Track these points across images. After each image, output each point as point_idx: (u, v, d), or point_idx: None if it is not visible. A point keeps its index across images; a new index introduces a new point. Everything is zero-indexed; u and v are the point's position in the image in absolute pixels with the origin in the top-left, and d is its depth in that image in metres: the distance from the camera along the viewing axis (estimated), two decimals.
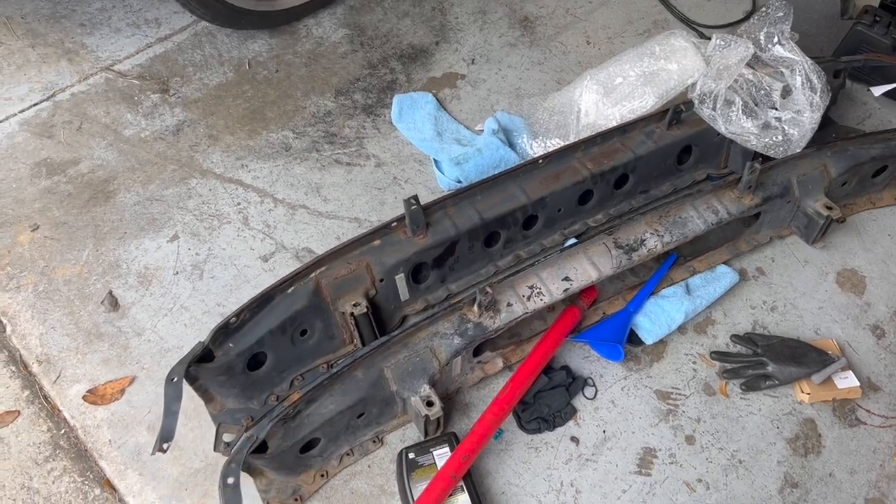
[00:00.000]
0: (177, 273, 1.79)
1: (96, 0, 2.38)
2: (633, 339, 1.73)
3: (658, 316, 1.73)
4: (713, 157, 1.98)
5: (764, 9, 1.91)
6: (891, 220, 2.03)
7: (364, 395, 1.45)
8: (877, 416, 1.69)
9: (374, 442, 1.56)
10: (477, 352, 1.61)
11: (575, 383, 1.65)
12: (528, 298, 1.57)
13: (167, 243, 1.84)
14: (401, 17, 2.43)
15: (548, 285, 1.59)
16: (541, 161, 1.75)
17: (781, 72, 1.87)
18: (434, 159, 2.02)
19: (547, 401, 1.61)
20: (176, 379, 1.34)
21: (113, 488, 1.49)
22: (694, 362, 1.73)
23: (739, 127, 1.81)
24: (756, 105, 1.84)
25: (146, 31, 2.32)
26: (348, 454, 1.54)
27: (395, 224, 1.62)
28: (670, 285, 1.80)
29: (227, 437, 1.48)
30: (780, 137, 1.81)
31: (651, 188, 1.95)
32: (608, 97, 1.93)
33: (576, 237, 1.86)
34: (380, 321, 1.62)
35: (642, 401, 1.67)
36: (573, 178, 1.77)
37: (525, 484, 1.53)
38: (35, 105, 2.10)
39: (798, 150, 1.82)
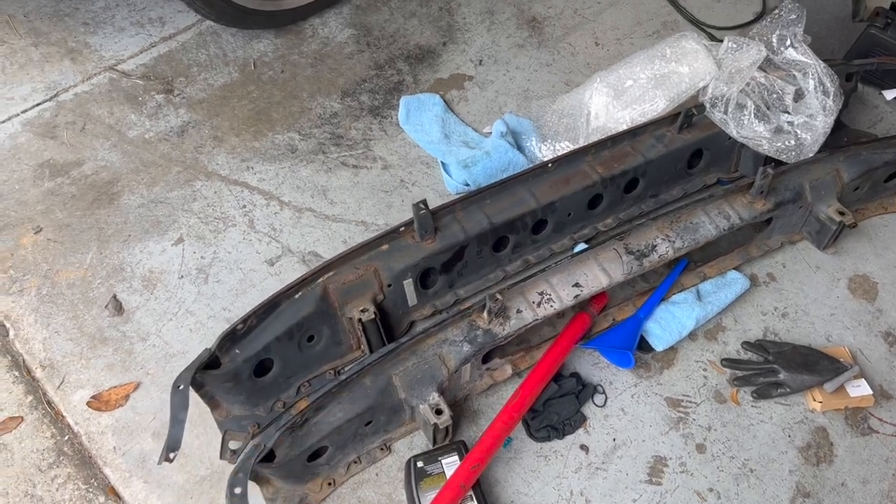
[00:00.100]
0: (182, 277, 1.77)
1: None
2: (644, 345, 1.71)
3: (669, 322, 1.71)
4: (724, 160, 1.96)
5: (777, 11, 1.88)
6: None
7: (372, 403, 1.43)
8: (889, 424, 1.67)
9: (382, 450, 1.54)
10: (486, 358, 1.59)
11: (585, 391, 1.64)
12: (538, 305, 1.55)
13: (172, 246, 1.82)
14: (407, 18, 2.41)
15: (558, 292, 1.57)
16: (550, 165, 1.74)
17: (794, 75, 1.85)
18: (441, 162, 2.00)
19: (556, 408, 1.59)
20: (182, 387, 1.32)
21: (117, 496, 1.47)
22: (704, 369, 1.71)
23: (751, 131, 1.79)
24: (768, 109, 1.82)
25: (150, 30, 2.29)
26: (356, 462, 1.52)
27: (403, 229, 1.60)
28: (681, 291, 1.78)
29: (233, 445, 1.47)
30: (792, 142, 1.79)
31: (661, 192, 1.93)
32: (618, 100, 1.91)
33: (585, 242, 1.84)
34: (387, 326, 1.60)
35: (652, 408, 1.65)
36: (583, 182, 1.75)
37: (534, 493, 1.52)
38: (38, 105, 2.08)
39: (810, 155, 1.80)
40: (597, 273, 1.61)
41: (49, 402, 1.58)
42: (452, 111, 2.16)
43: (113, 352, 1.65)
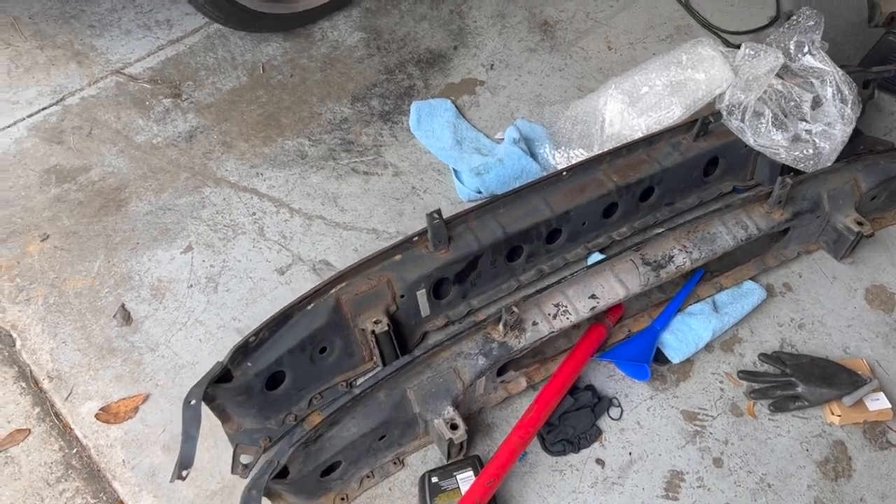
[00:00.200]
0: (191, 286, 1.75)
1: (106, 0, 2.32)
2: (660, 357, 1.69)
3: (685, 334, 1.68)
4: (740, 168, 1.93)
5: (794, 17, 1.86)
6: None
7: (387, 418, 1.41)
8: None
9: (395, 464, 1.52)
10: (500, 371, 1.57)
11: (600, 404, 1.61)
12: (554, 317, 1.52)
13: (181, 254, 1.80)
14: (418, 21, 2.38)
15: (574, 304, 1.54)
16: (565, 173, 1.71)
17: (811, 82, 1.82)
18: (453, 169, 1.98)
19: (572, 422, 1.57)
20: (194, 402, 1.30)
21: None
22: (721, 382, 1.69)
23: (769, 139, 1.76)
24: (786, 117, 1.79)
25: (157, 32, 2.26)
26: (369, 476, 1.49)
27: (416, 238, 1.58)
28: (697, 302, 1.75)
29: (244, 459, 1.45)
30: (810, 151, 1.76)
31: (676, 201, 1.90)
32: (633, 107, 1.88)
33: (600, 251, 1.82)
34: (400, 337, 1.58)
35: (669, 421, 1.62)
36: (598, 190, 1.73)
37: None
38: (44, 109, 2.05)
39: (828, 164, 1.78)
40: (613, 284, 1.58)
41: (57, 414, 1.56)
42: (464, 117, 2.14)
43: (121, 363, 1.62)
